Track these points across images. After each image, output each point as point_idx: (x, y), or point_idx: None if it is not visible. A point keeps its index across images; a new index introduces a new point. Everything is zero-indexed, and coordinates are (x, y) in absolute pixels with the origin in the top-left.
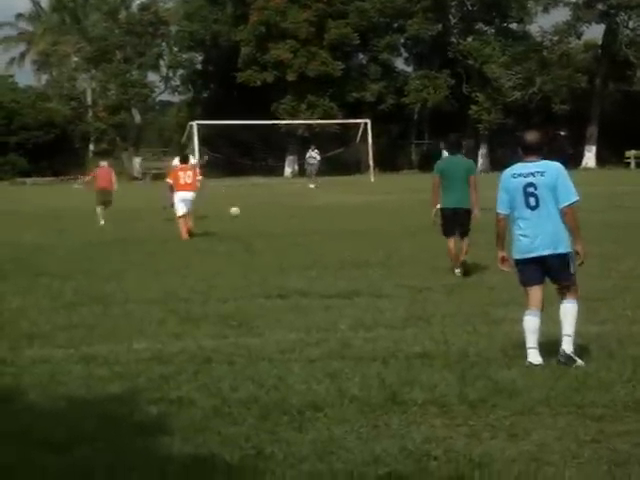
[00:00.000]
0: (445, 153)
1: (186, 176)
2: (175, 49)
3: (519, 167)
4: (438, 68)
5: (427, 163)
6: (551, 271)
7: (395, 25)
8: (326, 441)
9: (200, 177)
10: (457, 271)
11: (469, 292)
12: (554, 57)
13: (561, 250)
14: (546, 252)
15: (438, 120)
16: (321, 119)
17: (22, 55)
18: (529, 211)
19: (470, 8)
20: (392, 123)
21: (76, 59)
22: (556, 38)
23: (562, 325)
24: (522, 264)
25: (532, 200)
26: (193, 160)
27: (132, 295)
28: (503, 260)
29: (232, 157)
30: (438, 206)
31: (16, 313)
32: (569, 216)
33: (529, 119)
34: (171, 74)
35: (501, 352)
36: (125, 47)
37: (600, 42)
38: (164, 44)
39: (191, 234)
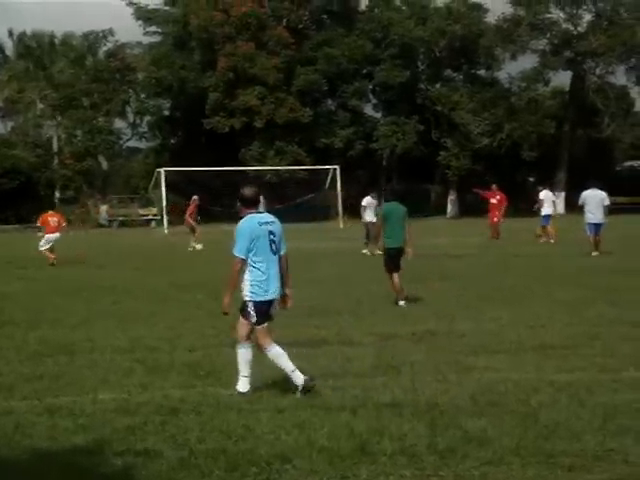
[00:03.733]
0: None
1: (52, 221)
2: (142, 95)
3: (258, 216)
4: (407, 114)
5: None
6: (269, 311)
7: (364, 71)
8: None
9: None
10: (402, 303)
11: (439, 340)
12: (522, 103)
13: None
14: (277, 294)
15: (407, 166)
16: (290, 165)
17: None
18: (272, 256)
19: (438, 55)
20: (361, 169)
21: (42, 106)
22: (524, 85)
23: (283, 366)
24: (261, 305)
25: (273, 246)
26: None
27: (98, 344)
28: (229, 304)
29: (200, 204)
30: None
31: None
32: (285, 262)
33: (498, 165)
34: (138, 120)
35: (471, 400)
36: (92, 94)
37: (567, 89)
38: (131, 90)
39: (53, 264)
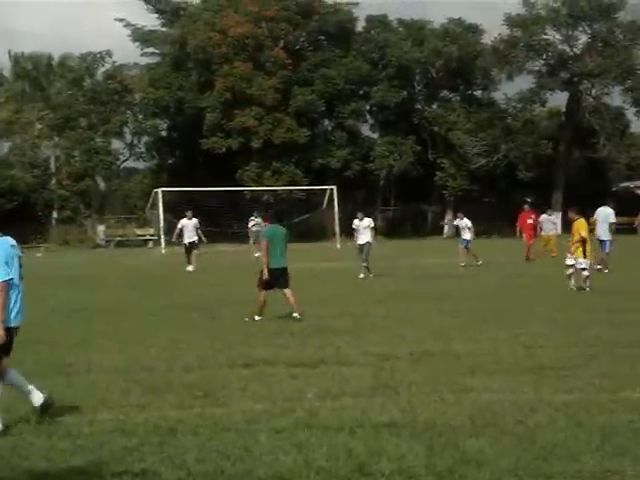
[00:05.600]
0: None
1: None
2: (140, 116)
3: (8, 239)
4: (403, 134)
5: (393, 229)
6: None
7: (360, 92)
8: None
9: None
10: (296, 314)
11: (436, 360)
12: (518, 124)
13: None
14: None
15: (404, 186)
16: (287, 185)
17: None
18: (21, 281)
19: (435, 75)
20: (358, 189)
21: (39, 126)
22: (520, 105)
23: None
24: (8, 331)
25: (21, 271)
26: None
27: (95, 365)
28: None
29: (197, 224)
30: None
31: None
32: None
33: (494, 185)
34: (136, 141)
35: (469, 421)
36: (89, 114)
37: (564, 109)
38: (129, 111)
39: None
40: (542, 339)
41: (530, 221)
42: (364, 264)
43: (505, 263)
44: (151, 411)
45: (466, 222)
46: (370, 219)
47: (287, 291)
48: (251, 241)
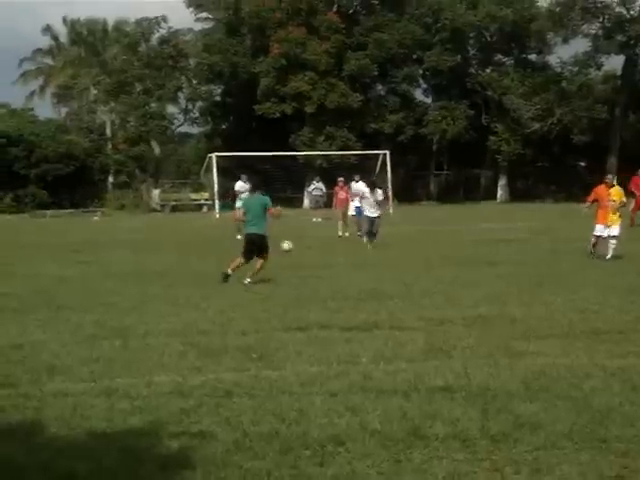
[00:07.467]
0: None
1: None
2: (194, 81)
3: None
4: (457, 99)
5: (446, 194)
6: None
7: (414, 56)
8: (348, 476)
9: None
10: (248, 280)
11: (490, 325)
12: (573, 88)
13: None
14: None
15: (457, 151)
16: (340, 150)
17: (42, 88)
18: None
19: (489, 39)
20: (411, 154)
21: (95, 91)
22: (575, 69)
23: None
24: None
25: None
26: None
27: (152, 328)
28: None
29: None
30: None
31: (37, 346)
32: None
33: (549, 150)
34: (190, 106)
35: (523, 385)
36: (144, 79)
37: (620, 73)
38: (183, 77)
39: None
40: (596, 304)
41: None
42: (366, 236)
43: (559, 228)
44: (207, 374)
45: (360, 186)
46: (380, 191)
47: (260, 260)
48: (307, 204)
